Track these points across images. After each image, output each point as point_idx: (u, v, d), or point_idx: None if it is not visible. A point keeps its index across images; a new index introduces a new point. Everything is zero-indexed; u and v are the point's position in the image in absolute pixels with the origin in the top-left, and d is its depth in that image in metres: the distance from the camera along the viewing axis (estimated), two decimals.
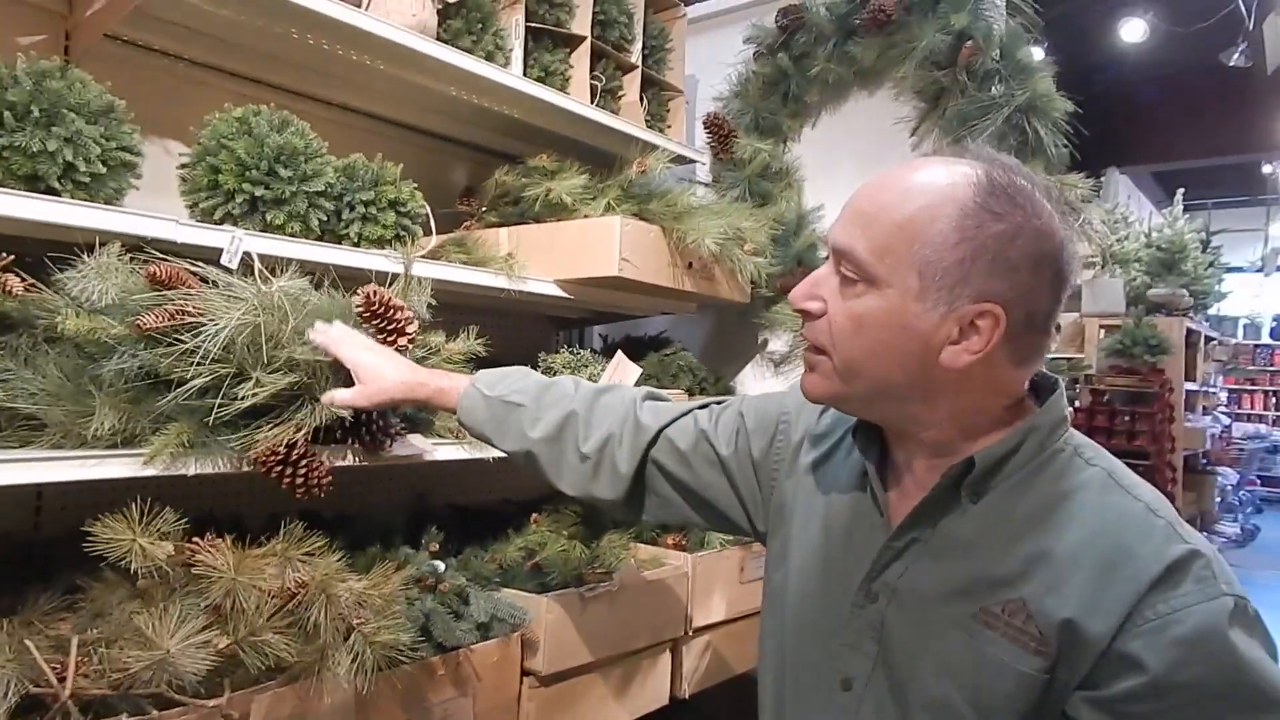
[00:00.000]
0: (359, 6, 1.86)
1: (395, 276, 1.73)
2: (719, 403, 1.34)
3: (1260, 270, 10.91)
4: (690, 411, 1.31)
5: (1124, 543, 0.88)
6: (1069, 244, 0.92)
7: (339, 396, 1.38)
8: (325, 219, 1.71)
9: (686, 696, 2.08)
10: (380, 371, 1.38)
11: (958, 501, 0.96)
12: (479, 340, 1.82)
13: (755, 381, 2.79)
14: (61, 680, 1.07)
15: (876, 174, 0.97)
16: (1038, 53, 2.30)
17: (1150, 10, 6.62)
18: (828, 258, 0.98)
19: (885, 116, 2.59)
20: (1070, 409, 1.03)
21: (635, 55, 2.58)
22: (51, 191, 1.38)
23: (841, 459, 1.12)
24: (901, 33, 2.45)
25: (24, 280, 1.33)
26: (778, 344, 2.73)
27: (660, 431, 1.28)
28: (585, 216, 2.14)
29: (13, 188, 1.34)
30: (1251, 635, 0.84)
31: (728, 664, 2.23)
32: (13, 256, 1.31)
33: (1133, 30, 6.81)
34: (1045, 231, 0.90)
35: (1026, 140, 2.22)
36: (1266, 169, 9.87)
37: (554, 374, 2.08)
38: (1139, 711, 0.84)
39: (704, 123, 2.71)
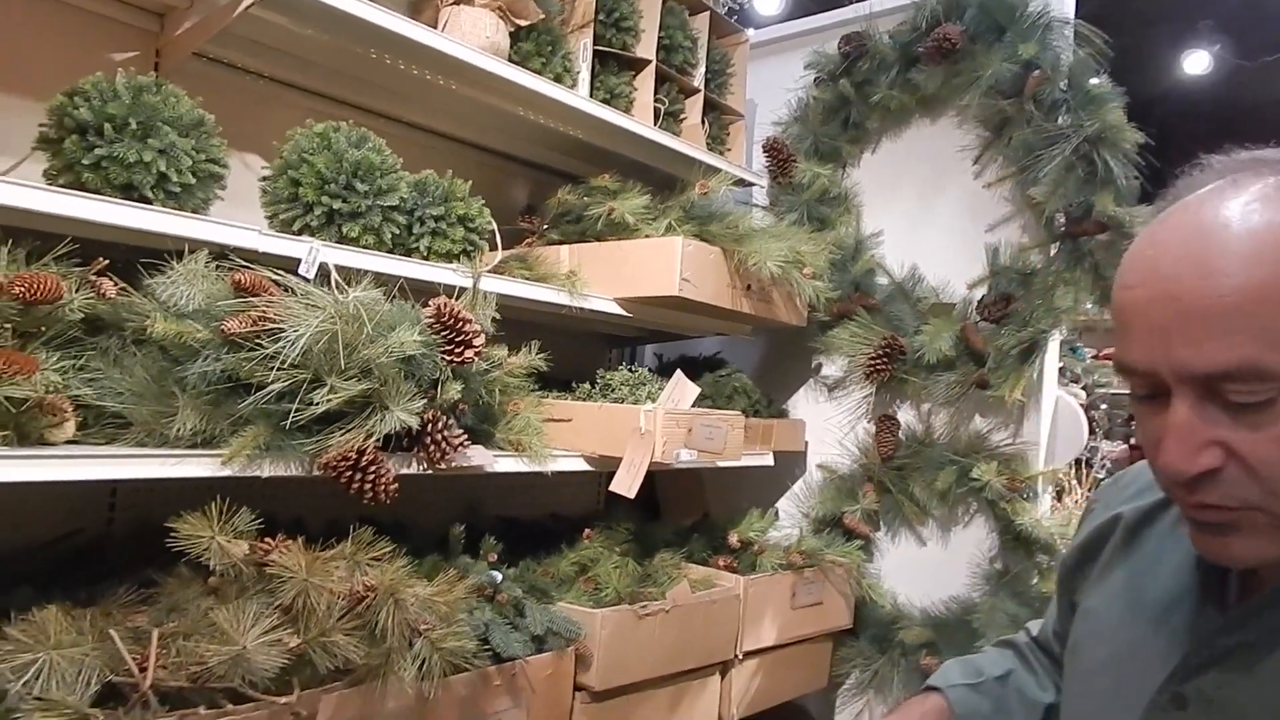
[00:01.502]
0: (434, 28, 1.91)
1: (462, 290, 1.77)
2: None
3: None
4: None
5: None
6: None
7: None
8: (397, 232, 1.76)
9: None
10: None
11: None
12: (540, 355, 1.84)
13: (807, 406, 2.77)
14: (142, 670, 1.10)
15: (1164, 258, 0.71)
16: (1108, 83, 2.27)
17: (1215, 42, 6.50)
18: (1151, 398, 0.74)
19: (947, 144, 2.58)
20: None
21: (698, 79, 2.61)
22: (144, 200, 1.44)
23: (1167, 529, 0.91)
24: (966, 61, 2.44)
25: (116, 284, 1.38)
26: (832, 369, 2.72)
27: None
28: (646, 236, 2.16)
29: (109, 196, 1.40)
30: None
31: (777, 689, 2.21)
32: (107, 261, 1.37)
33: (1196, 62, 6.69)
34: None
35: (1095, 171, 2.19)
36: None
37: (612, 390, 2.10)
38: None
39: (764, 147, 2.73)
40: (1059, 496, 2.50)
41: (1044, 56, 2.30)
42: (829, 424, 2.71)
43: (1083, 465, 3.58)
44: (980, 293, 2.42)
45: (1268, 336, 0.65)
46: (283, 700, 1.17)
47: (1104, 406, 4.38)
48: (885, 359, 2.45)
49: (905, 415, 2.56)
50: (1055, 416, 2.39)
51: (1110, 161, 2.17)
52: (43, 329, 1.28)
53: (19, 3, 1.70)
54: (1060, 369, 2.49)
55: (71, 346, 1.32)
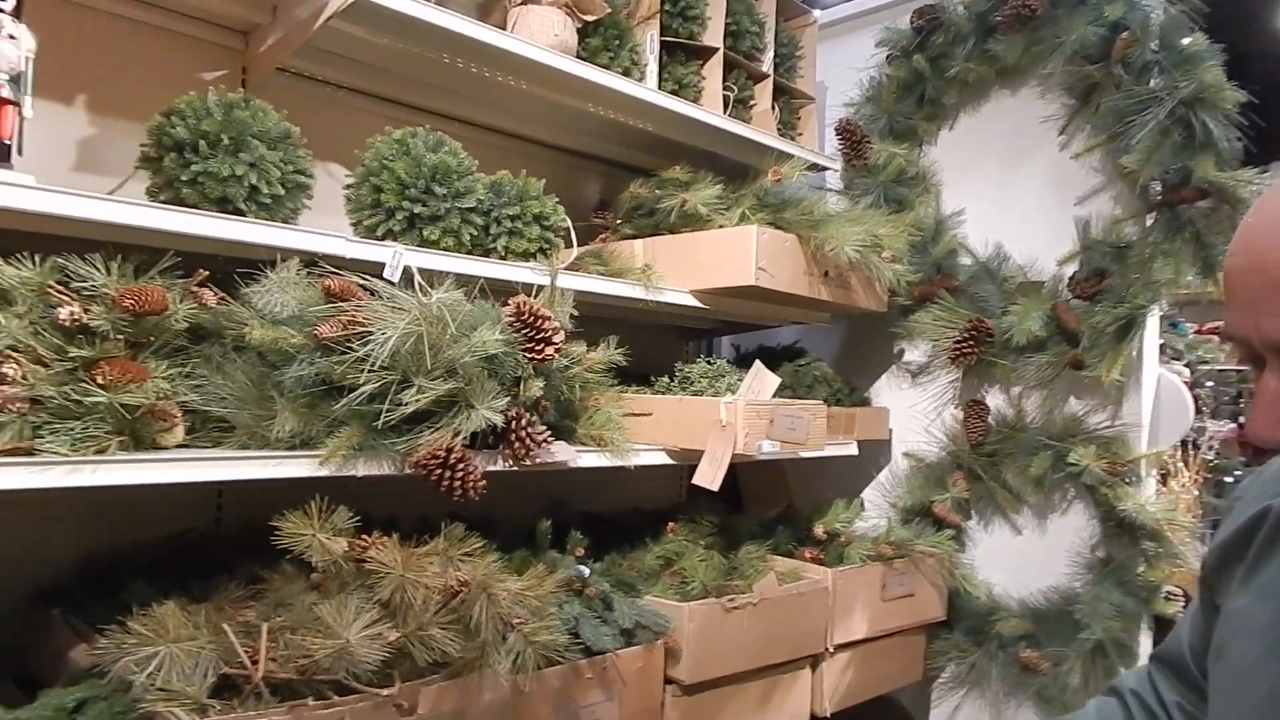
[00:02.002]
0: (504, 29, 1.94)
1: (540, 288, 1.78)
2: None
3: None
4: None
5: None
6: None
7: None
8: (475, 233, 1.78)
9: (828, 715, 2.03)
10: None
11: None
12: (618, 350, 1.85)
13: (890, 393, 2.71)
14: (254, 663, 1.14)
15: (1259, 227, 0.71)
16: (1203, 41, 2.14)
17: None
18: (1254, 365, 0.74)
19: (1030, 115, 2.48)
20: None
21: (767, 64, 2.58)
22: (238, 212, 1.50)
23: None
24: (1047, 27, 2.34)
25: (216, 294, 1.44)
26: (915, 354, 2.65)
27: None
28: (720, 227, 2.15)
29: (207, 209, 1.46)
30: None
31: (870, 683, 2.17)
32: (207, 273, 1.43)
33: None
34: None
35: (1193, 135, 2.07)
36: None
37: (691, 383, 2.09)
38: None
39: (836, 129, 2.67)
40: (1164, 480, 2.37)
41: (1131, 17, 2.19)
42: (913, 411, 2.64)
43: (1188, 447, 3.40)
44: (1071, 269, 2.32)
45: None
46: (385, 692, 1.20)
47: (1209, 384, 4.14)
48: (971, 342, 2.37)
49: (994, 400, 2.47)
50: (1157, 396, 2.28)
51: (1209, 124, 2.05)
52: (151, 339, 1.34)
53: (117, 31, 1.79)
54: (1161, 346, 2.36)
55: (177, 355, 1.39)
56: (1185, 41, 2.15)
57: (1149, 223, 2.22)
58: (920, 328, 2.51)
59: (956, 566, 2.39)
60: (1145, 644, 2.18)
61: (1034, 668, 2.22)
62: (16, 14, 1.27)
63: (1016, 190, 2.51)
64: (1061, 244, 2.35)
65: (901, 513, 2.54)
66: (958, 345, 2.39)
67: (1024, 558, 2.39)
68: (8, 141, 1.25)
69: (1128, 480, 2.18)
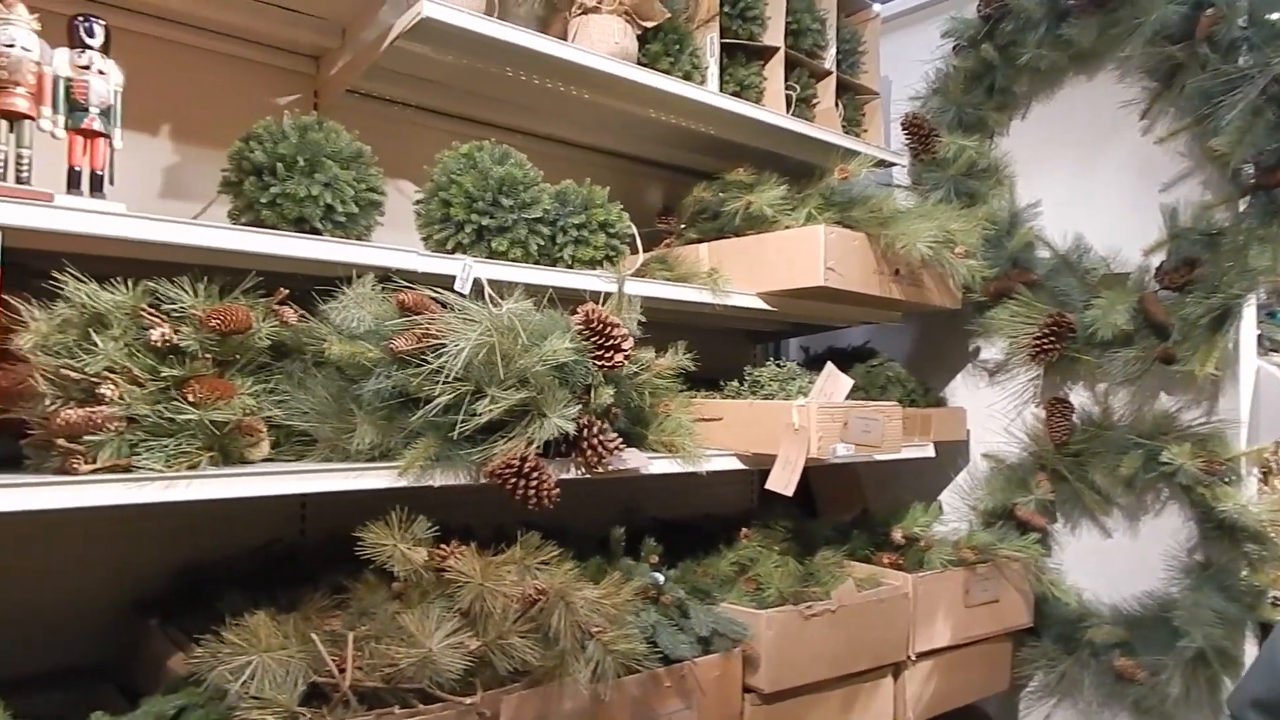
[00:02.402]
0: (564, 40, 1.95)
1: (607, 295, 1.79)
2: None
3: None
4: None
5: None
6: None
7: None
8: (542, 243, 1.80)
9: None
10: None
11: None
12: (687, 355, 1.84)
13: (967, 392, 2.63)
14: (341, 672, 1.17)
15: None
16: None
17: None
18: None
19: (1108, 101, 2.38)
20: None
21: (829, 61, 2.54)
22: (315, 231, 1.55)
23: None
24: (1125, 8, 2.25)
25: (296, 311, 1.48)
26: (991, 351, 2.57)
27: None
28: (786, 228, 2.12)
29: (285, 230, 1.50)
30: None
31: (955, 692, 2.11)
32: (287, 291, 1.47)
33: None
34: None
35: None
36: None
37: (761, 387, 2.07)
38: None
39: (902, 124, 2.61)
40: (1265, 479, 2.24)
41: None
42: (992, 411, 2.56)
43: None
44: (1158, 259, 2.22)
45: None
46: (468, 701, 1.21)
47: None
48: (1052, 338, 2.29)
49: (1079, 397, 2.38)
50: (1256, 390, 2.15)
51: None
52: (237, 357, 1.39)
53: (197, 63, 1.87)
54: (1258, 337, 2.24)
55: (261, 371, 1.43)
56: (1276, 16, 2.04)
57: (1242, 208, 2.11)
58: (997, 324, 2.44)
59: (1043, 571, 2.30)
60: (1250, 652, 2.06)
61: (1130, 677, 2.12)
62: (105, 50, 1.33)
63: (1096, 179, 2.41)
64: (1147, 233, 2.25)
65: (982, 516, 2.47)
66: (1038, 341, 2.31)
67: (1115, 562, 2.29)
68: (100, 172, 1.31)
69: (1226, 479, 2.07)
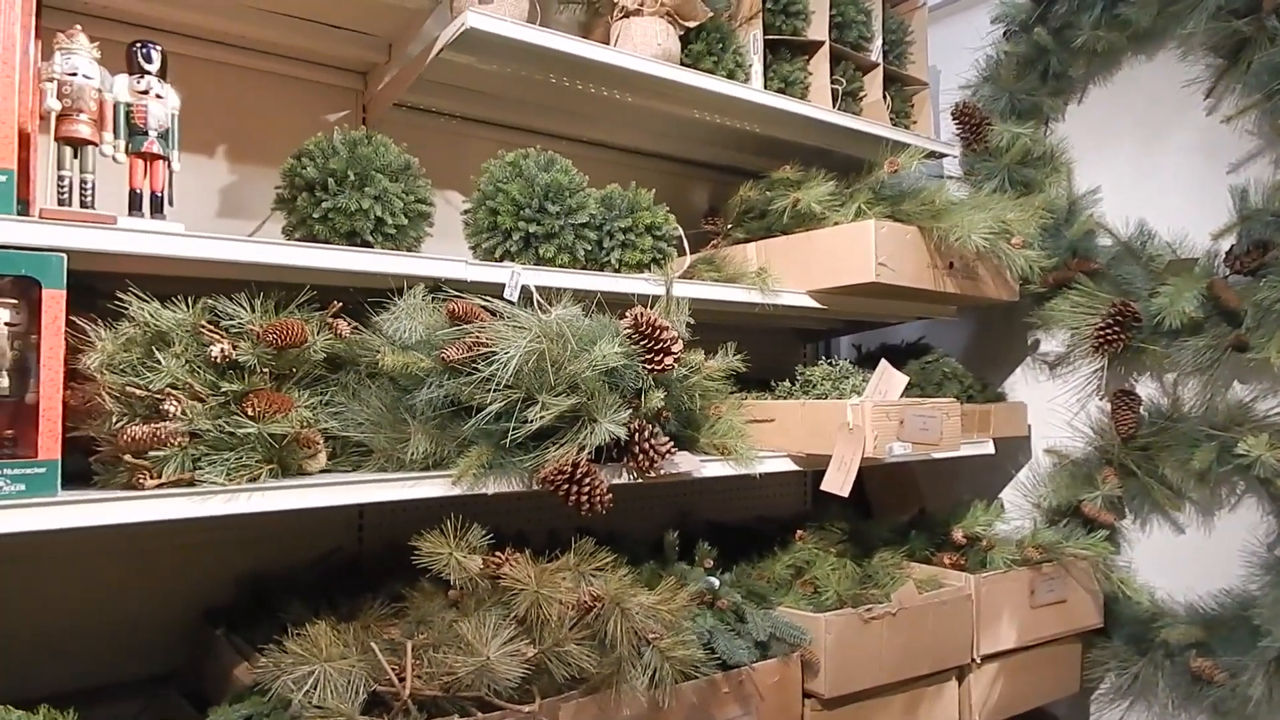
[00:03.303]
0: (606, 44, 1.95)
1: (655, 298, 1.78)
2: None
3: None
4: None
5: None
6: None
7: None
8: (589, 249, 1.80)
9: None
10: None
11: None
12: (737, 356, 1.82)
13: (1027, 387, 2.56)
14: (401, 680, 1.18)
15: None
16: None
17: None
18: None
19: (1170, 80, 2.29)
20: None
21: (875, 53, 2.49)
22: (366, 244, 1.57)
23: None
24: None
25: (350, 324, 1.50)
26: (1051, 344, 2.49)
27: None
28: (835, 224, 2.08)
29: (337, 244, 1.53)
30: None
31: (1022, 695, 2.05)
32: (340, 304, 1.49)
33: None
34: None
35: None
36: None
37: (813, 387, 2.04)
38: None
39: (953, 113, 2.55)
40: None
41: None
42: (1054, 405, 2.48)
43: None
44: (1228, 242, 2.13)
45: None
46: (527, 709, 1.21)
47: None
48: (1116, 328, 2.21)
49: (1146, 389, 2.29)
50: None
51: None
52: (293, 370, 1.41)
53: (249, 84, 1.91)
54: None
55: (317, 384, 1.46)
56: None
57: None
58: (1057, 316, 2.36)
59: (1112, 569, 2.22)
60: None
61: (1208, 678, 2.03)
62: (162, 75, 1.36)
63: (1159, 162, 2.32)
64: (1215, 216, 2.16)
65: (1047, 513, 2.39)
66: (1101, 332, 2.23)
67: (1189, 559, 2.20)
68: (160, 194, 1.35)
69: None
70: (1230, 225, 2.13)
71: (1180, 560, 2.22)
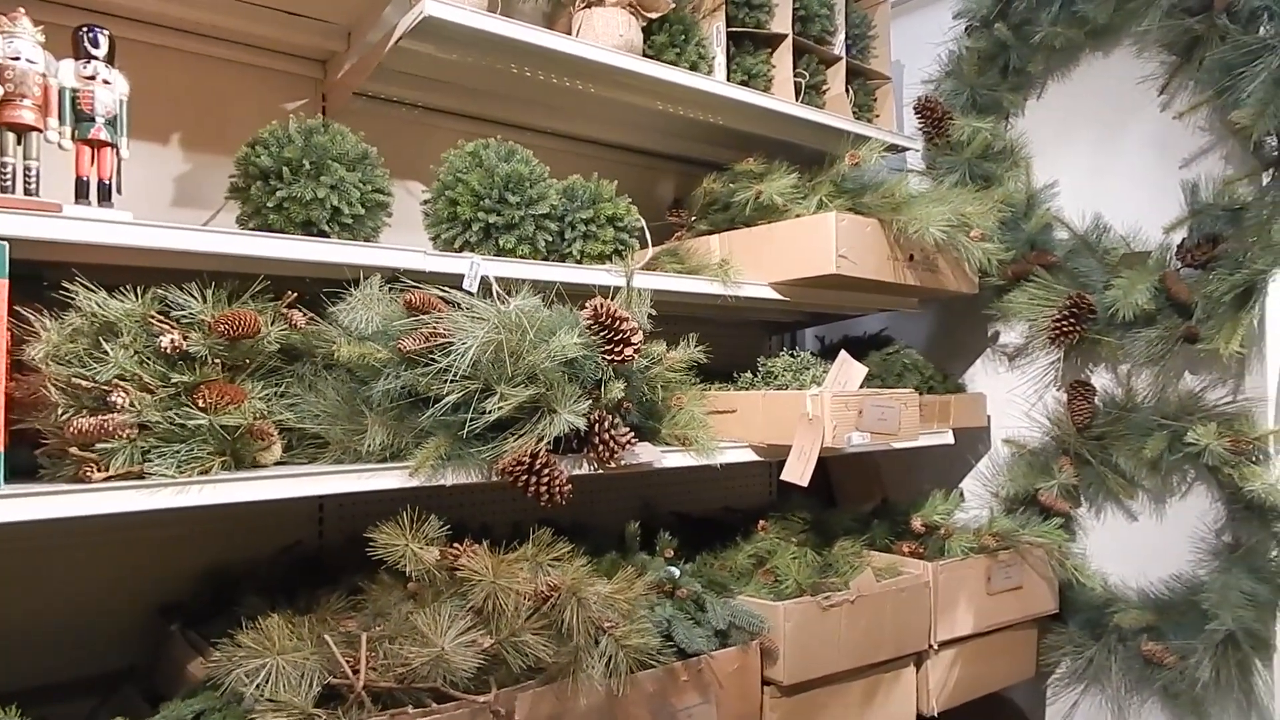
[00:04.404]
0: (569, 35, 1.94)
1: (617, 289, 1.78)
2: None
3: None
4: None
5: None
6: None
7: None
8: (550, 239, 1.79)
9: (935, 714, 1.96)
10: None
11: None
12: (698, 348, 1.83)
13: (986, 378, 2.60)
14: (355, 673, 1.17)
15: None
16: None
17: None
18: None
19: (1125, 77, 2.33)
20: None
21: (838, 47, 2.51)
22: (322, 234, 1.55)
23: None
24: None
25: (305, 315, 1.48)
26: (1011, 335, 2.53)
27: None
28: (797, 216, 2.10)
29: (292, 233, 1.51)
30: None
31: (979, 680, 2.09)
32: (295, 294, 1.47)
33: None
34: None
35: None
36: None
37: (774, 378, 2.05)
38: None
39: (915, 108, 2.58)
40: None
41: None
42: (1012, 395, 2.53)
43: None
44: (1180, 236, 2.18)
45: None
46: (482, 699, 1.21)
47: None
48: (1072, 320, 2.25)
49: (1101, 379, 2.34)
50: None
51: None
52: (247, 361, 1.39)
53: (204, 71, 1.88)
54: None
55: (272, 375, 1.44)
56: None
57: (1265, 181, 2.06)
58: (1015, 308, 2.40)
59: (1067, 556, 2.27)
60: None
61: (1159, 661, 2.08)
62: (110, 60, 1.34)
63: (1114, 157, 2.36)
64: (1168, 210, 2.21)
65: (1004, 502, 2.44)
66: (1057, 324, 2.27)
67: (1141, 545, 2.26)
68: (107, 181, 1.32)
69: (1254, 459, 2.02)
70: (1182, 219, 2.18)
71: (1133, 547, 2.27)
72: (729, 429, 1.95)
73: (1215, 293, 2.04)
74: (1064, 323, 2.26)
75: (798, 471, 1.79)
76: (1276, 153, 2.02)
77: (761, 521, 2.10)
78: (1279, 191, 2.01)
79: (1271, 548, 2.00)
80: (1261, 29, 2.01)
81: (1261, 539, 2.01)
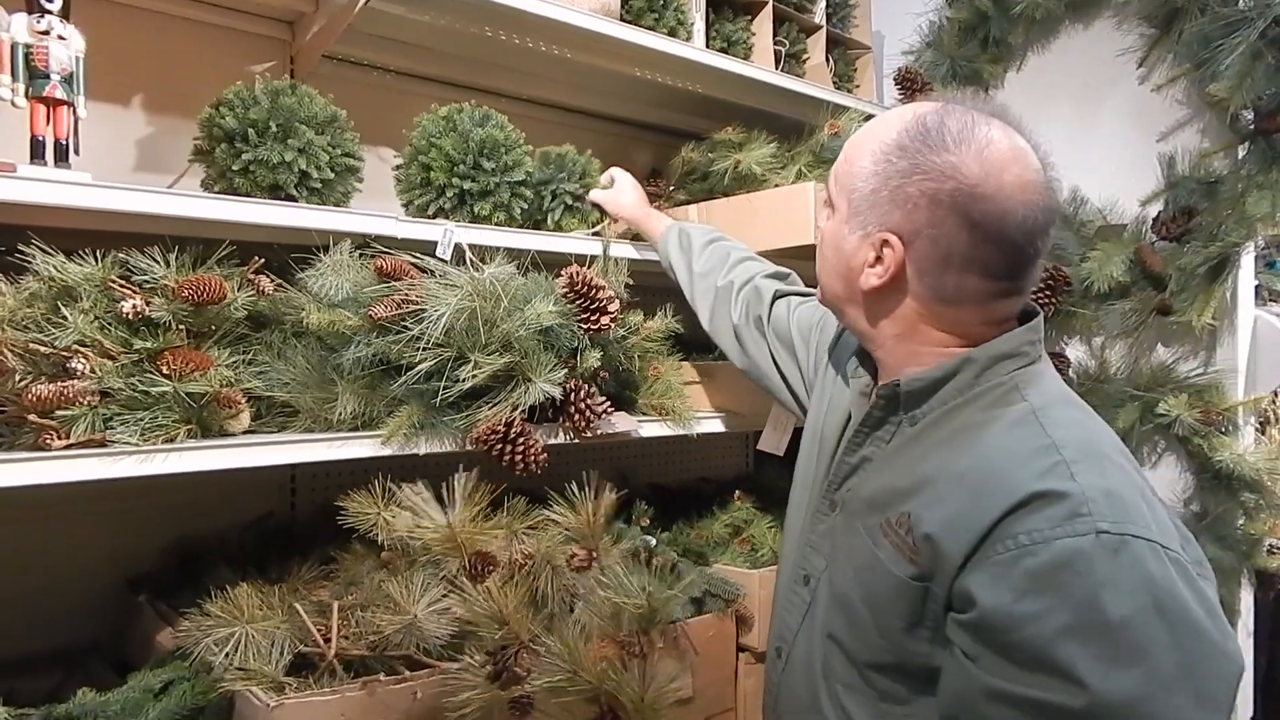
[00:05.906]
0: None
1: (592, 258, 1.76)
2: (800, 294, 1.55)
3: None
4: (785, 295, 1.56)
5: (1001, 468, 0.86)
6: (989, 190, 0.92)
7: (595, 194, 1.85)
8: (526, 207, 1.76)
9: None
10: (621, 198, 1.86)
11: (899, 424, 1.01)
12: (676, 318, 1.82)
13: None
14: (327, 641, 1.16)
15: None
16: None
17: None
18: None
19: (1105, 49, 2.33)
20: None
21: (819, 15, 2.48)
22: (290, 198, 1.51)
23: (850, 373, 1.18)
24: None
25: (273, 281, 1.45)
26: None
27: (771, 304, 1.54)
28: (776, 186, 2.08)
29: (259, 197, 1.47)
30: (1133, 572, 0.76)
31: None
32: (263, 260, 1.44)
33: None
34: (947, 172, 0.92)
35: None
36: None
37: None
38: (980, 643, 0.82)
39: (895, 79, 2.55)
40: (1263, 428, 2.23)
41: None
42: None
43: None
44: (1155, 209, 2.18)
45: (835, 166, 1.09)
46: (454, 666, 1.21)
47: None
48: (1048, 292, 2.25)
49: (1075, 351, 2.36)
50: (1254, 339, 2.13)
51: None
52: (212, 328, 1.36)
53: (167, 30, 1.82)
54: (1256, 287, 2.20)
55: (239, 343, 1.41)
56: None
57: (1241, 155, 2.06)
58: None
59: None
60: (1246, 599, 2.06)
61: None
62: (65, 15, 1.29)
63: (1092, 130, 2.36)
64: (1144, 183, 2.21)
65: None
66: (1033, 296, 2.28)
67: None
68: (65, 141, 1.28)
69: (1223, 430, 2.05)
70: (1158, 192, 2.18)
71: None
72: (707, 399, 1.94)
73: (1189, 265, 2.05)
74: (1039, 295, 2.27)
75: (774, 441, 1.79)
76: (1252, 126, 2.02)
77: (738, 492, 2.10)
78: (1254, 165, 2.02)
79: (1238, 516, 2.03)
80: (1240, 2, 2.00)
81: (1229, 508, 2.05)
